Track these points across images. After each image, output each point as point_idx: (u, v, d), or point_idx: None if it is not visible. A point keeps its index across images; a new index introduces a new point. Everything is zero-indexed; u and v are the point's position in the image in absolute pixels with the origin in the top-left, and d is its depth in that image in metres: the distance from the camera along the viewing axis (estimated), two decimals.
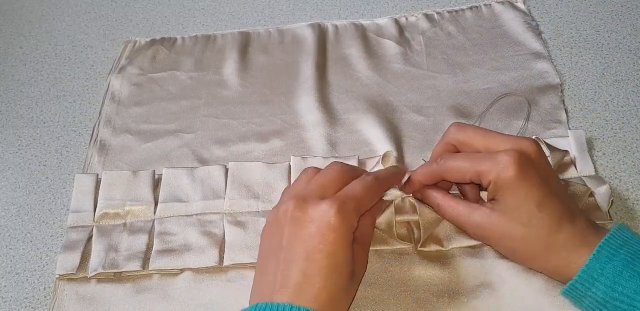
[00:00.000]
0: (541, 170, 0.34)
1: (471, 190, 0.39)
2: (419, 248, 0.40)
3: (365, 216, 0.37)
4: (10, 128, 0.55)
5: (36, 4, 0.68)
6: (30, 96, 0.57)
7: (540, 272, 0.37)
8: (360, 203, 0.34)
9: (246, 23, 0.61)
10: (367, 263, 0.36)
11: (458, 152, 0.38)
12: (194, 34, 0.59)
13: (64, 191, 0.49)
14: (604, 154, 0.45)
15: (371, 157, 0.46)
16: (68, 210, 0.48)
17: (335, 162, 0.38)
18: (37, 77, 0.59)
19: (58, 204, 0.48)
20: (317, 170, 0.38)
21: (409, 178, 0.39)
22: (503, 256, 0.39)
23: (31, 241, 0.46)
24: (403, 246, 0.40)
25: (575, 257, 0.33)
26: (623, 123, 0.47)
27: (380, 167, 0.42)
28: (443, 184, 0.39)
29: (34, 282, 0.44)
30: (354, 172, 0.37)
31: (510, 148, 0.34)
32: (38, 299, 0.43)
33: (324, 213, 0.32)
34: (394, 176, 0.39)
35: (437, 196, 0.38)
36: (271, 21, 0.60)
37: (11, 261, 0.45)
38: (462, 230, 0.39)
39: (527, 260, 0.36)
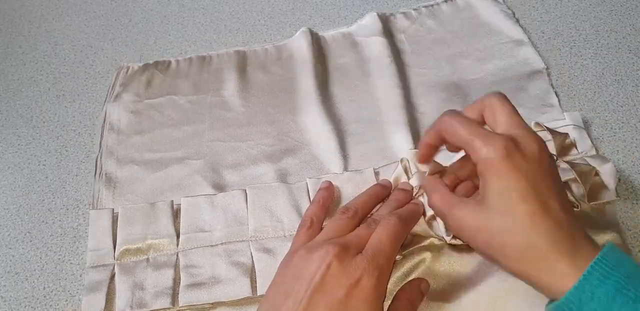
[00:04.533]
0: (536, 165, 0.32)
1: (465, 187, 0.39)
2: (449, 242, 0.39)
3: (401, 299, 0.37)
4: (9, 127, 0.55)
5: (36, 4, 0.68)
6: (29, 96, 0.57)
7: (520, 280, 0.33)
8: (389, 257, 0.35)
9: (246, 22, 0.61)
10: None
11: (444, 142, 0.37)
12: (188, 56, 0.57)
13: (64, 191, 0.49)
14: (603, 153, 0.45)
15: (386, 165, 0.45)
16: (68, 210, 0.48)
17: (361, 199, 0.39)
18: (36, 77, 0.59)
19: (57, 204, 0.48)
20: (355, 213, 0.38)
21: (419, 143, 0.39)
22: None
23: (31, 241, 0.46)
24: (435, 242, 0.40)
25: (561, 267, 0.30)
26: (623, 123, 0.47)
27: (401, 173, 0.42)
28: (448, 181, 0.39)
29: (33, 282, 0.44)
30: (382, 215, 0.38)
31: (508, 134, 0.32)
32: (37, 299, 0.43)
33: (357, 271, 0.32)
34: (415, 211, 0.39)
35: (431, 182, 0.37)
36: (271, 20, 0.60)
37: (11, 261, 0.45)
38: (443, 221, 0.38)
39: (504, 258, 0.32)
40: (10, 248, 0.46)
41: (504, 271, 0.34)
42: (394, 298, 0.37)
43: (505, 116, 0.34)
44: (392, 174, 0.43)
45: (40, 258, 0.45)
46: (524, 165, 0.31)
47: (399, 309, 0.36)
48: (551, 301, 0.31)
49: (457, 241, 0.39)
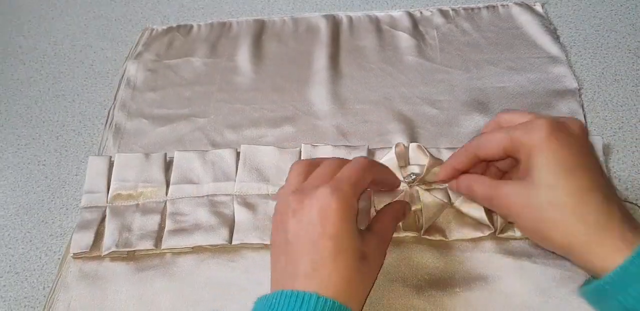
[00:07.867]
0: (582, 142, 0.32)
1: (497, 173, 0.38)
2: (423, 235, 0.40)
3: (386, 213, 0.38)
4: (9, 127, 0.55)
5: (35, 4, 0.68)
6: (29, 95, 0.57)
7: (563, 257, 0.33)
8: (355, 184, 0.34)
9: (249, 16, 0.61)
10: (383, 255, 0.36)
11: None
12: (210, 21, 0.60)
13: (63, 190, 0.49)
14: (603, 153, 0.45)
15: (382, 148, 0.46)
16: (67, 209, 0.48)
17: (331, 158, 0.38)
18: (36, 77, 0.59)
19: (57, 204, 0.48)
20: (307, 165, 0.37)
21: (442, 165, 0.39)
22: (501, 252, 0.39)
23: (30, 241, 0.46)
24: (408, 235, 0.41)
25: (610, 242, 0.29)
26: (622, 122, 0.47)
27: (392, 157, 0.42)
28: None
29: (33, 282, 0.44)
30: (349, 162, 0.36)
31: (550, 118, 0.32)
32: (37, 299, 0.43)
33: (321, 199, 0.32)
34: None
35: (469, 177, 0.37)
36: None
37: (10, 260, 0.45)
38: (491, 208, 0.38)
39: (551, 234, 0.31)
40: (10, 248, 0.46)
41: (548, 248, 0.34)
42: (378, 212, 0.39)
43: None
44: (384, 156, 0.44)
45: (40, 258, 0.45)
46: (570, 141, 0.31)
47: (383, 221, 0.37)
48: (588, 281, 0.31)
49: (433, 237, 0.40)
